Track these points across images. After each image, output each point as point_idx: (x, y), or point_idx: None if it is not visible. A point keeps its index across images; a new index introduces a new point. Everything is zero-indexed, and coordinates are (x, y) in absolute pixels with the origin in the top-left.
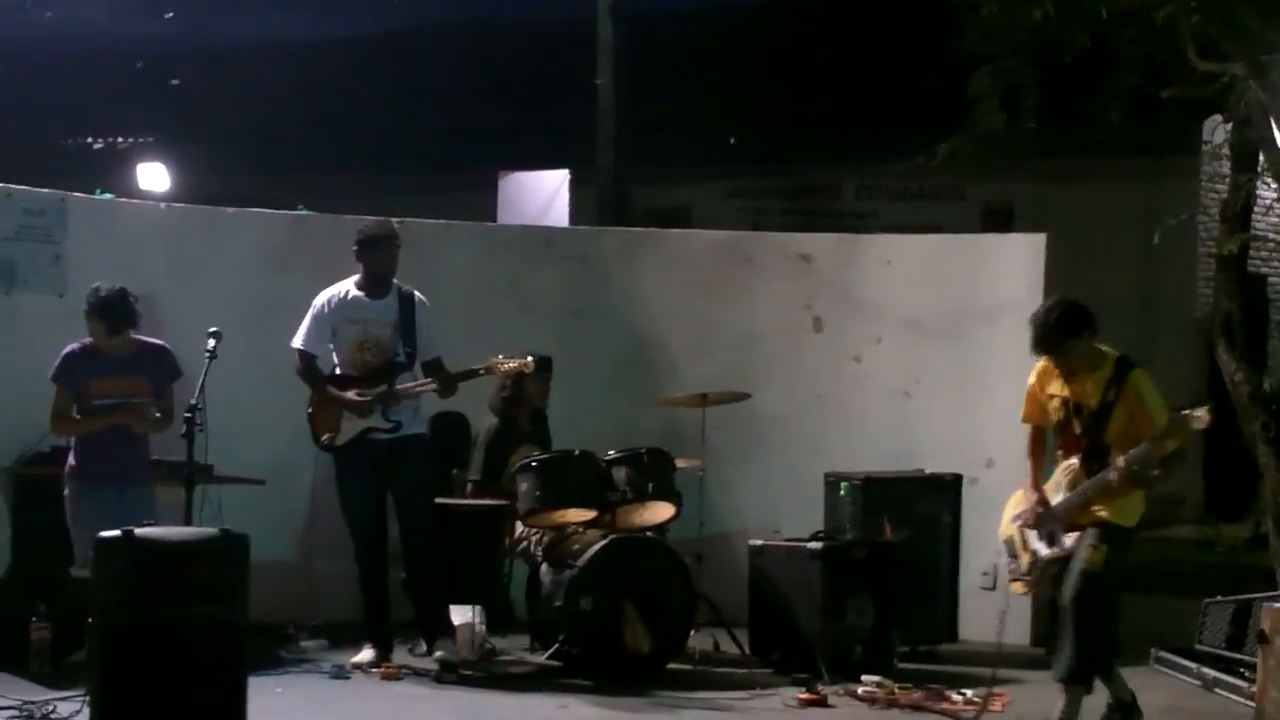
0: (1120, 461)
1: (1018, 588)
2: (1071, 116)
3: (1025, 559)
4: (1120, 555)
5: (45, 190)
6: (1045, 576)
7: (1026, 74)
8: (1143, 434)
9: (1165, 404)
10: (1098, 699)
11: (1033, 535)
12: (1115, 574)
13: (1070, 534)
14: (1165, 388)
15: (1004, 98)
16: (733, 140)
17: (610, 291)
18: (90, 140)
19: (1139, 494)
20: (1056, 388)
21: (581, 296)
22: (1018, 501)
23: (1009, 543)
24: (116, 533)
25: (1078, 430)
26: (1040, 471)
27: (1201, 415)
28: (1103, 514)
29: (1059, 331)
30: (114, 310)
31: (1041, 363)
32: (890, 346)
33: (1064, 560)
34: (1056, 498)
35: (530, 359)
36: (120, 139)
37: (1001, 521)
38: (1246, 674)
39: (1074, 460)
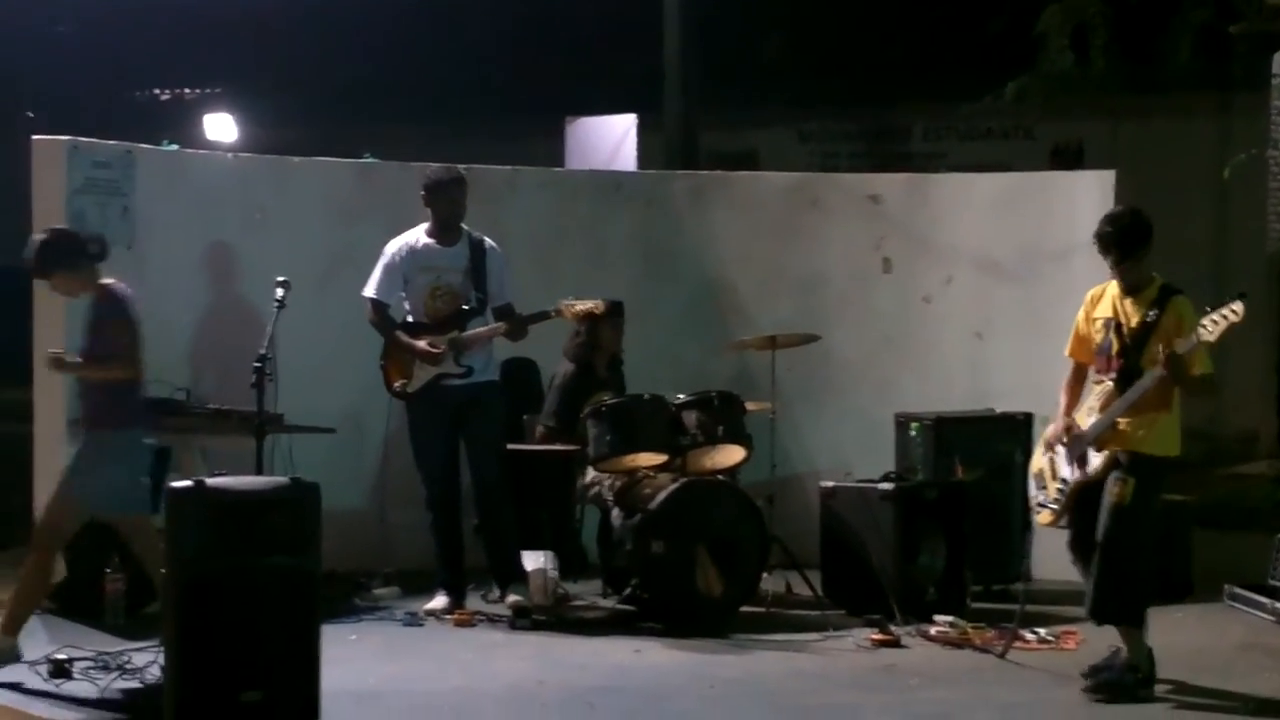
0: (1161, 351)
1: (1044, 517)
2: (1140, 53)
3: (1053, 487)
4: (1152, 487)
5: (112, 142)
6: (1071, 502)
7: (1095, 12)
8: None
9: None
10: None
11: (1061, 462)
12: (1148, 508)
13: (1099, 455)
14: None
15: (1072, 36)
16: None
17: (679, 236)
18: (157, 92)
19: (1172, 422)
20: (1102, 309)
21: (651, 241)
22: (1049, 433)
23: (1039, 475)
24: (189, 482)
25: (1115, 349)
26: (1073, 405)
27: (1236, 309)
28: (1132, 444)
29: (1134, 235)
30: (43, 256)
31: (1092, 291)
32: (960, 287)
33: (1095, 485)
34: (1089, 420)
35: (600, 301)
36: (188, 90)
37: (1033, 456)
38: None
39: (1108, 382)
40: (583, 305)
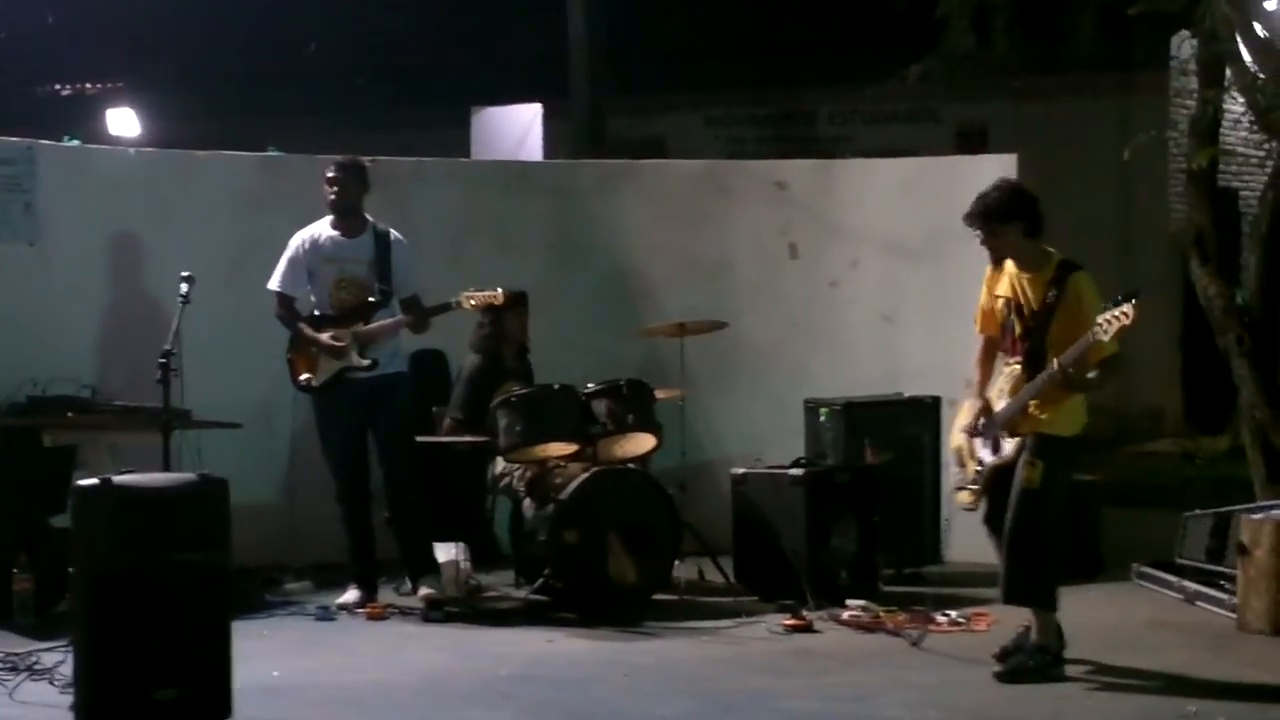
0: (1054, 363)
1: (963, 497)
2: (1042, 34)
3: (971, 467)
4: (1060, 468)
5: (13, 139)
6: (988, 484)
7: None
8: (1062, 339)
9: (1103, 308)
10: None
11: (978, 443)
12: (1056, 489)
13: (1012, 440)
14: (1142, 303)
15: (975, 18)
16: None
17: (588, 224)
18: (58, 87)
19: (1078, 401)
20: (1002, 288)
21: (559, 230)
22: (966, 412)
23: (957, 452)
24: (96, 480)
25: (1018, 332)
26: (986, 381)
27: (1127, 312)
28: (1040, 426)
29: (991, 211)
30: None
31: (989, 269)
32: (867, 271)
33: (1009, 468)
34: (1000, 404)
35: (500, 291)
36: (89, 85)
37: (951, 432)
38: (1227, 586)
39: (1016, 365)
40: (483, 296)
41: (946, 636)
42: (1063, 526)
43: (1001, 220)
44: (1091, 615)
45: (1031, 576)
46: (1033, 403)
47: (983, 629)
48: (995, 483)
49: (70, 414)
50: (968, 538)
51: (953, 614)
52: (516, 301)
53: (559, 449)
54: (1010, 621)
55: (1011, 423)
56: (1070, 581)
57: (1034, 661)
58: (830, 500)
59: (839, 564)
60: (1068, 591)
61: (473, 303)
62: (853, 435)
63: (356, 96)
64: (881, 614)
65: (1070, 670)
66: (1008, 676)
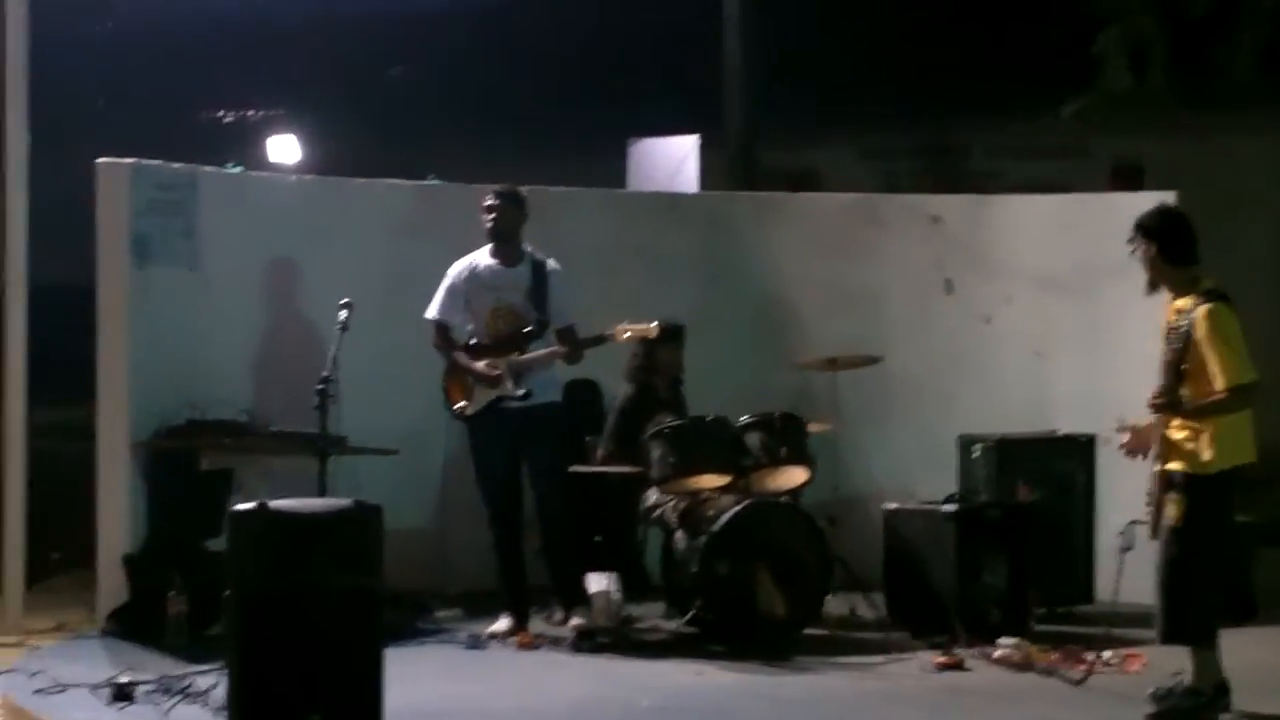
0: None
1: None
2: (1200, 71)
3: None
4: (1204, 504)
5: (176, 165)
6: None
7: (1153, 30)
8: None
9: (1224, 340)
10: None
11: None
12: (1202, 526)
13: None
14: None
15: (1131, 55)
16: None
17: (740, 255)
18: (220, 114)
19: (1222, 431)
20: (1168, 314)
21: (711, 260)
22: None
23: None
24: (252, 505)
25: (1163, 359)
26: None
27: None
28: (1180, 460)
29: (1138, 223)
30: None
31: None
32: (1021, 306)
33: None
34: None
35: (655, 324)
36: (251, 112)
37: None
38: None
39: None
40: (638, 328)
41: (1099, 677)
42: (1214, 565)
43: (1143, 234)
44: (1245, 659)
45: (1180, 615)
46: (1177, 435)
47: (1135, 670)
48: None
49: (227, 438)
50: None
51: (1106, 654)
52: (673, 335)
53: (711, 480)
54: (1165, 664)
55: (1161, 453)
56: (1224, 623)
57: (1186, 703)
58: (982, 537)
59: (990, 601)
60: (1223, 632)
61: (627, 335)
62: (1005, 471)
63: (516, 125)
64: (1033, 652)
65: (1227, 717)
66: (1158, 718)
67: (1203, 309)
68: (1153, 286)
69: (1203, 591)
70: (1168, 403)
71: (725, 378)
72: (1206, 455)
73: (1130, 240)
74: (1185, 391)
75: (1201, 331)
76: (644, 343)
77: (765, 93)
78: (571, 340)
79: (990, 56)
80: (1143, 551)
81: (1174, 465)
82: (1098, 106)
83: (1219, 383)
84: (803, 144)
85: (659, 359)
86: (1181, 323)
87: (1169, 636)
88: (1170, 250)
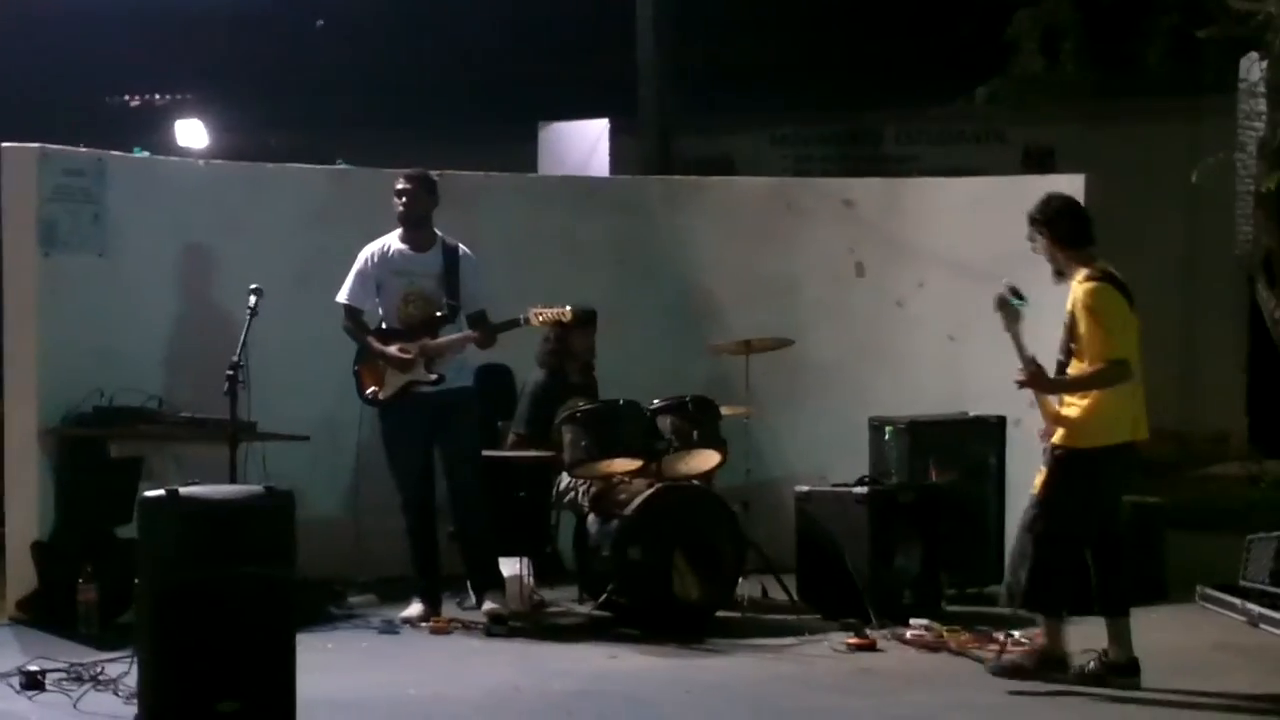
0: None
1: None
2: (1111, 58)
3: None
4: (1071, 478)
5: (83, 150)
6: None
7: (1066, 16)
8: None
9: (1099, 317)
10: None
11: None
12: (1066, 499)
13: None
14: (1208, 325)
15: (1043, 40)
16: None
17: (655, 241)
18: (127, 98)
19: (1090, 409)
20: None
21: (626, 246)
22: None
23: None
24: (162, 492)
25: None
26: None
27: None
28: (1057, 437)
29: (1031, 215)
30: None
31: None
32: (933, 290)
33: None
34: None
35: (568, 309)
36: (158, 96)
37: None
38: None
39: None
40: (551, 313)
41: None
42: (1075, 538)
43: (1037, 225)
44: (1156, 638)
45: (1035, 584)
46: (1063, 410)
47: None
48: None
49: (138, 425)
50: None
51: (1016, 634)
52: (585, 320)
53: (624, 465)
54: (1073, 643)
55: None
56: (1135, 604)
57: (1029, 664)
58: (894, 519)
59: (902, 583)
60: (1133, 614)
61: (540, 319)
62: (917, 454)
63: (427, 109)
64: (945, 633)
65: (1134, 693)
66: (998, 671)
67: (1084, 287)
68: (1059, 275)
69: (1058, 563)
70: (1032, 376)
71: (640, 363)
72: (1080, 430)
73: (1028, 234)
74: (1071, 368)
75: (1080, 308)
76: (556, 328)
77: (679, 78)
78: (484, 325)
79: (904, 42)
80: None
81: (1055, 439)
82: (1010, 91)
83: (1088, 358)
84: (716, 130)
85: (571, 344)
86: (1072, 301)
87: (1024, 603)
88: (1065, 235)
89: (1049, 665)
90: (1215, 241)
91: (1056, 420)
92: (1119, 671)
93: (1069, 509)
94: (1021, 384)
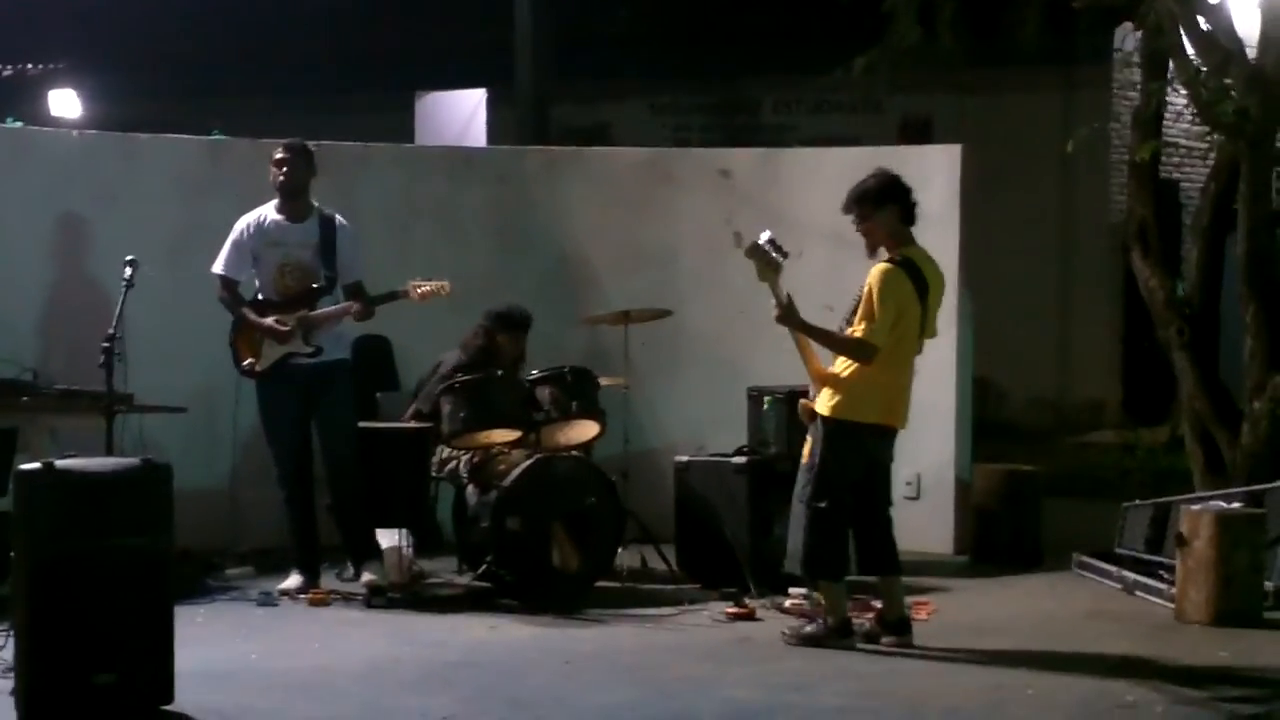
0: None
1: None
2: (987, 27)
3: None
4: (828, 446)
5: None
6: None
7: None
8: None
9: (878, 298)
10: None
11: None
12: (824, 468)
13: None
14: (1083, 294)
15: (920, 9)
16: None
17: (532, 211)
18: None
19: (843, 384)
20: None
21: (503, 217)
22: None
23: None
24: (37, 464)
25: None
26: None
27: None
28: (815, 401)
29: (868, 194)
30: None
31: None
32: (811, 260)
33: None
34: None
35: (447, 284)
36: (30, 66)
37: None
38: (1166, 576)
39: None
40: (430, 286)
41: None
42: (835, 506)
43: (879, 200)
44: (1031, 605)
45: (812, 550)
46: (819, 370)
47: (923, 617)
48: None
49: (12, 397)
50: (909, 527)
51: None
52: (517, 324)
53: (502, 435)
54: (954, 612)
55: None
56: (1010, 571)
57: (819, 631)
58: (772, 489)
59: (780, 552)
60: (1009, 581)
61: (420, 293)
62: (795, 424)
63: (301, 79)
64: (822, 603)
65: (1009, 659)
66: (793, 639)
67: (879, 266)
68: (873, 251)
69: (829, 529)
70: (784, 312)
71: None
72: (829, 401)
73: (859, 211)
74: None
75: (868, 284)
76: (486, 328)
77: (556, 47)
78: (364, 297)
79: (782, 12)
80: (929, 500)
81: (816, 403)
82: (886, 61)
83: (851, 328)
84: (593, 99)
85: (498, 345)
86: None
87: (804, 570)
88: (907, 210)
89: (837, 631)
90: (1090, 210)
91: (821, 380)
92: (892, 630)
93: (829, 476)
94: (777, 319)
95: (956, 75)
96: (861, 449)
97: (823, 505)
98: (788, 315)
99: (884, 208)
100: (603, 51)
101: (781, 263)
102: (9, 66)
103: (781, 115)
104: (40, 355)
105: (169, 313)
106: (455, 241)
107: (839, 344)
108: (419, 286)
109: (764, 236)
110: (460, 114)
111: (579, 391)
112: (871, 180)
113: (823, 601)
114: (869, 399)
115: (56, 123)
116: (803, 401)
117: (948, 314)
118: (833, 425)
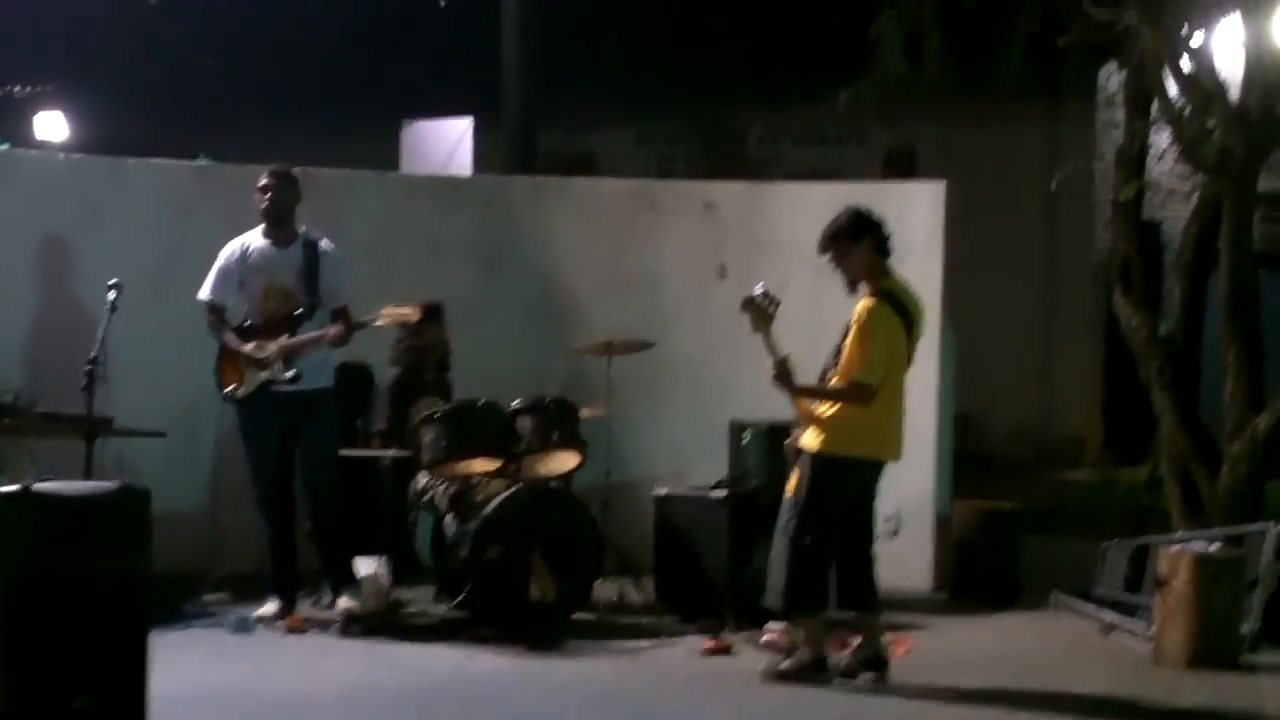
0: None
1: None
2: (972, 61)
3: None
4: (815, 482)
5: None
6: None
7: (929, 18)
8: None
9: (865, 336)
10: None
11: None
12: (808, 502)
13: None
14: (1066, 330)
15: (906, 42)
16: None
17: (518, 239)
18: None
19: (830, 420)
20: None
21: (488, 244)
22: None
23: None
24: (16, 487)
25: None
26: None
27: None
28: (803, 439)
29: (842, 231)
30: None
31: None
32: (796, 292)
33: None
34: None
35: (413, 309)
36: (16, 88)
37: None
38: (1144, 616)
39: None
40: (397, 312)
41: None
42: (819, 542)
43: (854, 234)
44: (1009, 642)
45: (793, 585)
46: (807, 410)
47: (902, 654)
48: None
49: None
50: (889, 562)
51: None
52: (431, 313)
53: (482, 465)
54: (932, 650)
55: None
56: (989, 607)
57: (795, 667)
58: (752, 521)
59: (760, 586)
60: (987, 619)
61: (386, 319)
62: (776, 457)
63: (289, 105)
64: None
65: (986, 696)
66: (770, 675)
67: (863, 302)
68: (853, 286)
69: (811, 565)
70: (778, 372)
71: (502, 362)
72: (817, 436)
73: (835, 248)
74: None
75: (853, 322)
76: (412, 330)
77: (542, 75)
78: (346, 320)
79: (768, 43)
80: (909, 537)
81: (802, 440)
82: (872, 92)
83: (840, 373)
84: (580, 128)
85: (424, 339)
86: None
87: (783, 605)
88: (881, 242)
89: (813, 666)
90: (1074, 246)
91: (808, 419)
92: (869, 666)
93: (814, 512)
94: (772, 379)
95: (942, 108)
96: (851, 483)
97: (806, 541)
98: (781, 376)
99: (859, 242)
100: (589, 80)
101: (774, 314)
102: None
103: (767, 146)
104: (23, 377)
105: (153, 336)
106: (440, 268)
107: (835, 397)
108: (390, 313)
109: (758, 289)
110: (446, 142)
111: (560, 421)
112: (843, 218)
113: (800, 636)
114: (861, 433)
115: (43, 144)
116: (787, 443)
117: (929, 348)
118: (822, 460)
